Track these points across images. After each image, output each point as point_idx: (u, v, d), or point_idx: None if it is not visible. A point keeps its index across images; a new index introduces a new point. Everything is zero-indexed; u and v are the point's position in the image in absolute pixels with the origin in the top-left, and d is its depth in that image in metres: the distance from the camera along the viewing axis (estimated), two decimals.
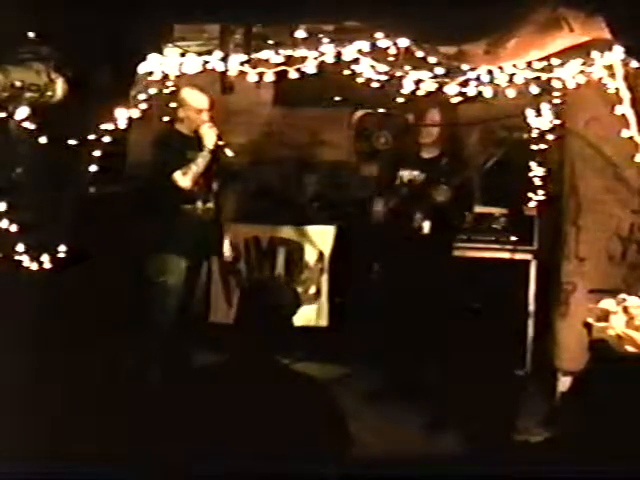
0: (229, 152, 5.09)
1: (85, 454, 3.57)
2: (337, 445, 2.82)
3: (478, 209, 5.97)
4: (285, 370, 3.07)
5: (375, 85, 4.67)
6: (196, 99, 5.06)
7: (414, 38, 4.24)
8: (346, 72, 4.59)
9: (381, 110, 6.60)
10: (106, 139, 4.44)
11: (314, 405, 2.86)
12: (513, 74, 4.50)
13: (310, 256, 6.35)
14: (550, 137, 5.50)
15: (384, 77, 4.60)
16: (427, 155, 5.56)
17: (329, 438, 2.81)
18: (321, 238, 6.38)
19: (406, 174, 5.54)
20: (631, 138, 4.32)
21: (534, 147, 5.62)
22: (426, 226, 5.39)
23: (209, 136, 5.00)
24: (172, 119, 5.15)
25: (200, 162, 4.98)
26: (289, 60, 4.49)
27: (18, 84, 3.75)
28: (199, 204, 5.05)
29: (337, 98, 6.52)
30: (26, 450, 3.27)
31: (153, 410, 3.00)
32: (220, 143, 5.05)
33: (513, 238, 5.90)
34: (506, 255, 5.90)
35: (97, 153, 4.42)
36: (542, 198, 5.71)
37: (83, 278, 4.88)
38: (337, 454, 2.80)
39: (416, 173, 5.51)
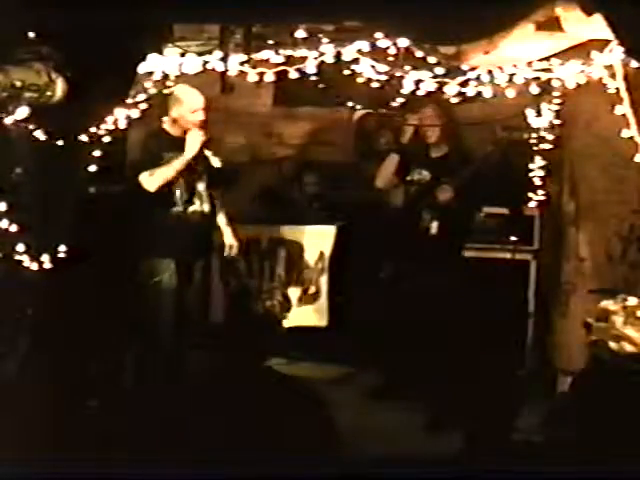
0: (216, 162, 5.00)
1: (84, 456, 3.57)
2: (337, 445, 2.83)
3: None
4: (284, 371, 3.07)
5: (375, 85, 4.67)
6: (191, 98, 4.91)
7: (414, 38, 4.24)
8: (346, 72, 4.60)
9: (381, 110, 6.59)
10: (106, 139, 4.44)
11: (314, 405, 2.86)
12: (513, 74, 4.50)
13: (310, 256, 6.34)
14: (550, 137, 5.50)
15: (384, 77, 4.60)
16: (435, 154, 5.56)
17: (329, 438, 2.81)
18: (321, 238, 6.37)
19: (415, 174, 5.55)
20: (631, 138, 4.32)
21: (534, 147, 5.62)
22: (434, 226, 5.38)
23: (193, 142, 4.80)
24: (162, 119, 5.04)
25: (174, 167, 4.80)
26: (289, 60, 4.50)
27: (18, 84, 3.75)
28: (179, 208, 4.90)
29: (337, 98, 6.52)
30: (25, 451, 3.27)
31: (151, 411, 3.00)
32: (207, 153, 4.92)
33: (513, 238, 5.89)
34: (506, 255, 5.90)
35: (97, 153, 4.42)
36: (542, 198, 5.71)
37: (82, 278, 4.87)
38: (337, 454, 2.80)
39: (425, 172, 5.52)
